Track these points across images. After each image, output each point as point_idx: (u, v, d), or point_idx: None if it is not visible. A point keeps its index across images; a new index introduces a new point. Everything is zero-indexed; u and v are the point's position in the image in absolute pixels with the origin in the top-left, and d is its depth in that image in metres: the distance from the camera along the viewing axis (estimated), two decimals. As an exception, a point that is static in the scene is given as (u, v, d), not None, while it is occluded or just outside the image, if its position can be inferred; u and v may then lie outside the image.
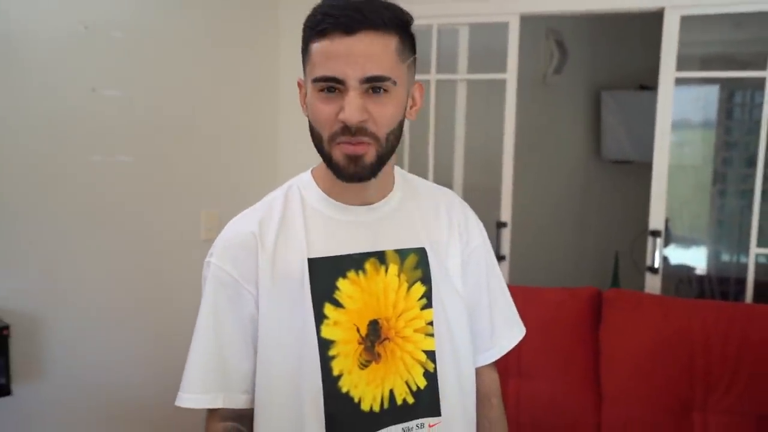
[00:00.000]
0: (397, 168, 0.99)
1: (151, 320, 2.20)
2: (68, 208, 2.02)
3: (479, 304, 1.03)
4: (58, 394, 2.01)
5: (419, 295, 0.94)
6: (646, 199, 2.00)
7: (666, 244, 2.10)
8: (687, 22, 1.86)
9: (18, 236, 1.90)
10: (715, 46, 3.07)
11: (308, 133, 0.86)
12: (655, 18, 1.98)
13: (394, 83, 0.76)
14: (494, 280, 1.05)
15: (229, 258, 0.94)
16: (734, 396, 1.80)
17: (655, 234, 1.97)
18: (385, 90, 0.76)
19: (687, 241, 3.19)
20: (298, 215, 0.94)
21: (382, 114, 0.78)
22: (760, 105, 1.91)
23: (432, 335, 0.95)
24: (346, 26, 0.75)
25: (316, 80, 0.76)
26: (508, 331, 1.07)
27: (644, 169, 2.11)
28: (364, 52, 0.76)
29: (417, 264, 0.95)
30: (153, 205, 2.18)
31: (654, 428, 1.84)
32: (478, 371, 1.06)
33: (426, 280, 0.94)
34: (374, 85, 0.75)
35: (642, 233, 2.07)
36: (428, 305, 0.94)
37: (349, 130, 0.77)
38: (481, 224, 1.04)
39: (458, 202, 1.04)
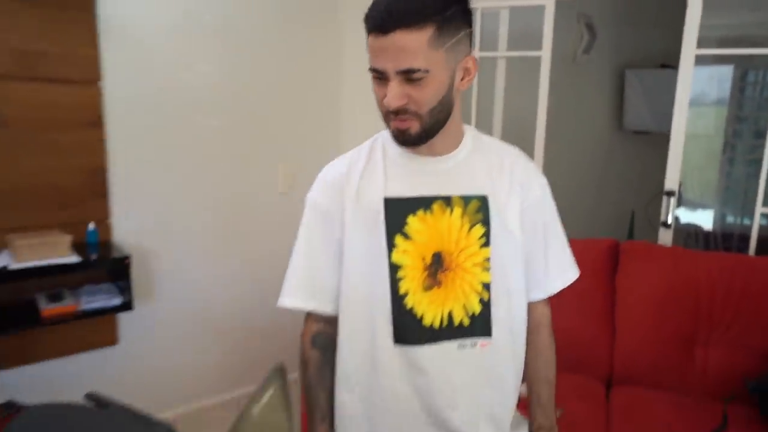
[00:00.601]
0: (469, 127, 1.01)
1: (239, 252, 2.41)
2: (174, 166, 2.20)
3: (535, 248, 1.03)
4: (167, 309, 2.24)
5: (479, 235, 0.95)
6: (661, 165, 2.07)
7: (678, 205, 2.15)
8: (708, 3, 1.88)
9: (134, 188, 2.10)
10: (733, 29, 3.02)
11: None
12: (678, 1, 2.00)
13: (426, 71, 0.78)
14: (551, 229, 1.05)
15: (322, 193, 1.00)
16: (733, 333, 1.85)
17: (670, 194, 2.06)
18: (419, 78, 0.78)
19: (696, 204, 3.21)
20: (380, 162, 0.98)
21: (421, 96, 0.81)
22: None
23: (488, 270, 0.96)
24: (381, 27, 0.77)
25: (370, 70, 0.81)
26: (561, 273, 1.07)
27: (661, 138, 2.18)
28: (397, 49, 0.77)
29: (479, 209, 0.96)
30: (241, 160, 2.36)
31: (661, 359, 1.91)
32: (531, 305, 1.07)
33: (485, 222, 0.95)
34: (408, 76, 0.78)
35: (657, 195, 2.15)
36: (486, 244, 0.95)
37: (394, 111, 0.83)
38: (543, 180, 1.04)
39: (523, 159, 1.04)
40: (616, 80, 3.58)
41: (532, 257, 1.03)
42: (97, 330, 2.03)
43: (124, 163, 2.05)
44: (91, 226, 1.95)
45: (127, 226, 2.07)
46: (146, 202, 2.13)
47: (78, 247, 1.84)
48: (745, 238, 2.06)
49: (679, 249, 2.06)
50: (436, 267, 0.97)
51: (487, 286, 0.97)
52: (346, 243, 0.97)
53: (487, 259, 0.96)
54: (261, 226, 2.41)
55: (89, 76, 1.91)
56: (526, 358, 1.07)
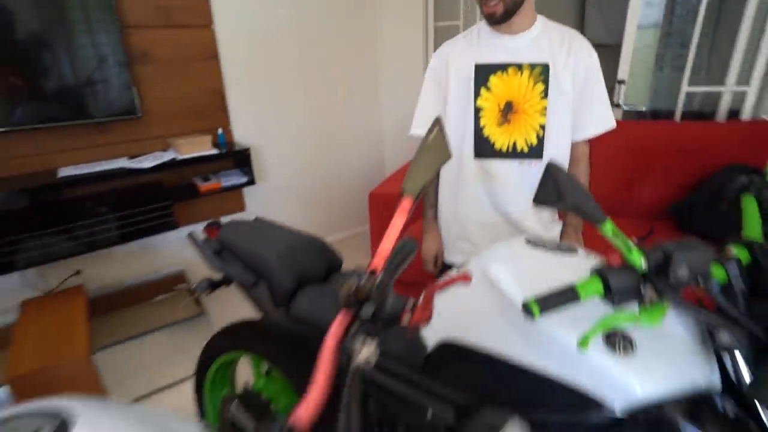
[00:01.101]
0: (540, 15, 1.16)
1: (318, 142, 3.08)
2: (270, 86, 2.80)
3: (583, 102, 1.16)
4: (276, 185, 2.94)
5: (540, 91, 1.12)
6: (614, 69, 2.47)
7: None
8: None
9: (244, 103, 2.67)
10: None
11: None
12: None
13: None
14: (597, 89, 1.17)
15: (436, 61, 1.24)
16: (661, 175, 2.29)
17: (621, 82, 2.56)
18: None
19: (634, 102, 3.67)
20: (474, 40, 1.18)
21: None
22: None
23: (544, 115, 1.11)
24: None
25: None
26: (600, 122, 1.19)
27: (614, 51, 2.55)
28: None
29: (541, 72, 1.11)
30: (314, 82, 2.97)
31: (609, 194, 2.40)
32: (574, 144, 1.20)
33: (545, 82, 1.11)
34: None
35: (611, 89, 2.58)
36: (544, 97, 1.13)
37: None
38: (594, 54, 1.16)
39: (579, 37, 1.15)
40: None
41: (579, 109, 1.16)
42: (231, 200, 2.72)
43: (235, 86, 2.63)
44: (220, 131, 2.56)
45: (242, 130, 2.70)
46: (253, 112, 2.74)
47: (213, 145, 2.49)
48: (671, 113, 2.58)
49: (625, 121, 2.58)
50: (507, 111, 1.14)
51: (542, 126, 1.11)
52: (449, 93, 1.20)
53: (545, 108, 1.12)
54: (330, 122, 3.10)
55: (205, 21, 2.45)
56: None
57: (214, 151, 2.44)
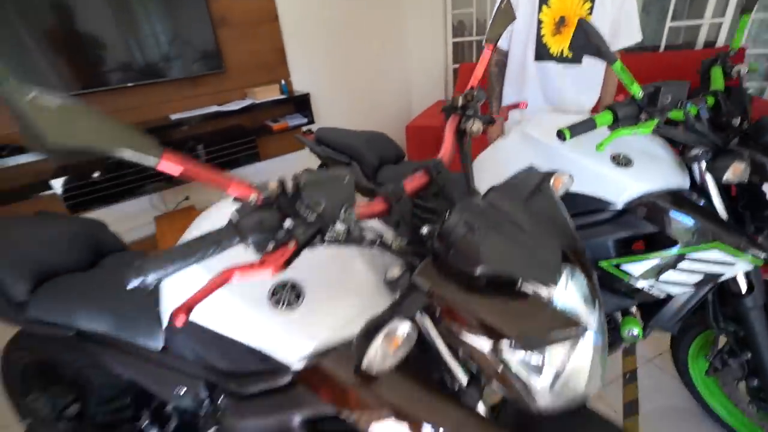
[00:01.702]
0: None
1: (364, 91, 3.42)
2: (322, 43, 3.13)
3: (619, 15, 1.34)
4: (328, 125, 3.18)
5: (587, 8, 1.37)
6: None
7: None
8: None
9: (301, 59, 3.03)
10: None
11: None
12: None
13: None
14: (630, 5, 1.37)
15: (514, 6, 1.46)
16: None
17: None
18: None
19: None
20: None
21: None
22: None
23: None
24: None
25: None
26: (631, 35, 1.38)
27: None
28: None
29: None
30: (357, 39, 3.26)
31: None
32: None
33: (592, 1, 1.35)
34: None
35: None
36: (590, 13, 1.38)
37: None
38: None
39: None
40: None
41: (616, 22, 1.35)
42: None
43: (293, 43, 2.99)
44: (282, 81, 2.90)
45: (300, 81, 3.09)
46: (308, 65, 3.12)
47: (280, 93, 2.87)
48: (656, 48, 2.86)
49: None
50: (560, 24, 1.36)
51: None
52: (518, 10, 1.43)
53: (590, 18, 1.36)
54: (367, 72, 3.44)
55: (267, -11, 2.78)
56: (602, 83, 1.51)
57: (282, 96, 2.76)
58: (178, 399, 0.93)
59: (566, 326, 0.53)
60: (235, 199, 0.52)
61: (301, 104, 2.92)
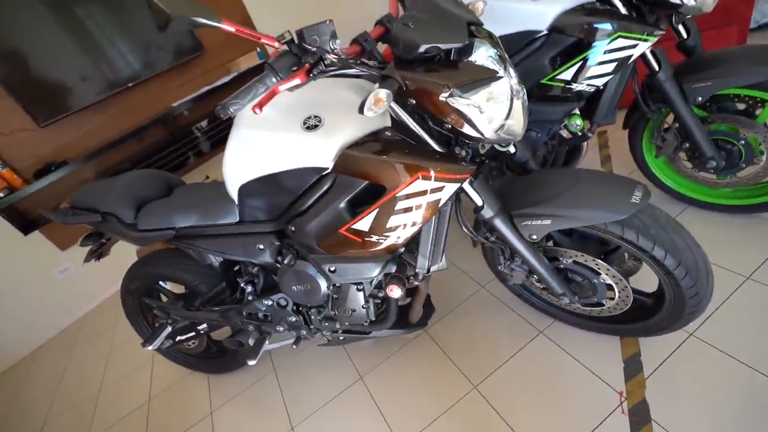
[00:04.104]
0: None
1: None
2: (293, 13, 3.21)
3: None
4: None
5: None
6: None
7: None
8: None
9: (279, 18, 3.22)
10: None
11: None
12: None
13: None
14: None
15: None
16: None
17: None
18: None
19: None
20: None
21: None
22: None
23: None
24: None
25: None
26: None
27: None
28: None
29: None
30: None
31: None
32: None
33: None
34: None
35: None
36: None
37: None
38: None
39: None
40: None
41: None
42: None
43: (257, 10, 3.19)
44: (258, 49, 3.15)
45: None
46: (277, 26, 3.27)
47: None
48: None
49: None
50: None
51: None
52: None
53: None
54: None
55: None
56: None
57: (261, 61, 3.06)
58: (259, 254, 1.30)
59: (484, 74, 0.84)
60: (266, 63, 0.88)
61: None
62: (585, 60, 1.33)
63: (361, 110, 0.82)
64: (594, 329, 1.41)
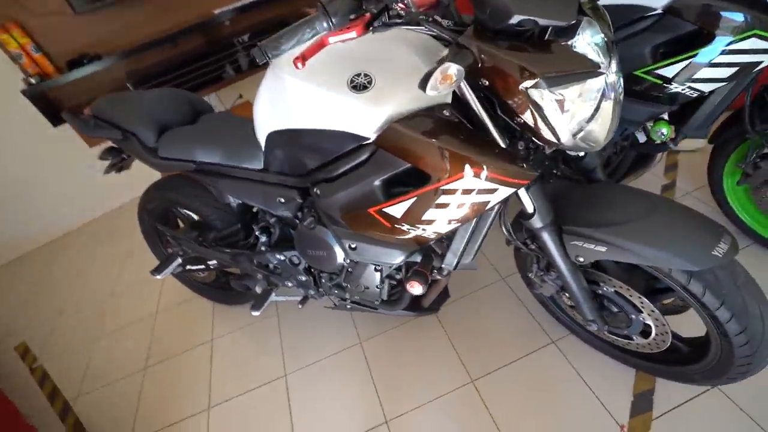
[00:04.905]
0: None
1: None
2: None
3: None
4: None
5: None
6: None
7: None
8: None
9: None
10: None
11: None
12: None
13: None
14: None
15: None
16: None
17: None
18: None
19: None
20: None
21: None
22: None
23: None
24: None
25: None
26: None
27: None
28: None
29: None
30: None
31: None
32: None
33: None
34: None
35: None
36: None
37: None
38: None
39: None
40: None
41: None
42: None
43: None
44: None
45: None
46: None
47: None
48: None
49: None
50: None
51: None
52: None
53: None
54: None
55: None
56: None
57: (315, -20, 2.76)
58: (279, 207, 1.22)
59: (583, 67, 0.67)
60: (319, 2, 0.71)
61: None
62: (695, 57, 1.06)
63: (423, 86, 0.67)
64: (611, 356, 1.32)
